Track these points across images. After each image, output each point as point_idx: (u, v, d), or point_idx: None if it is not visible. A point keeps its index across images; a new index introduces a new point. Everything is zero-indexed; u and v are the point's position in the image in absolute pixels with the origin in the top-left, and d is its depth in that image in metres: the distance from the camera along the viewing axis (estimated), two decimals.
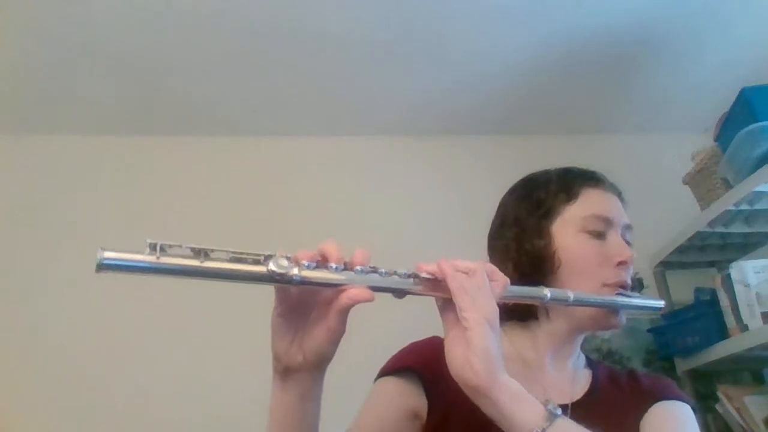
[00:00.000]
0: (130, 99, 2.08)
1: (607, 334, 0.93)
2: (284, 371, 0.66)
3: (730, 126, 1.73)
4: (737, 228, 1.83)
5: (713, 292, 1.78)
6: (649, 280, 2.04)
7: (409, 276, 0.66)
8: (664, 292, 2.03)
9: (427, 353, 0.86)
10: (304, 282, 0.61)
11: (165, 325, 1.96)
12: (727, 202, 1.72)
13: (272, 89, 2.09)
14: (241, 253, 0.59)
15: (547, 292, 0.77)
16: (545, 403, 0.64)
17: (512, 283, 0.72)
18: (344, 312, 0.63)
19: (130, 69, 1.94)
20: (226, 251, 0.59)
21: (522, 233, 0.91)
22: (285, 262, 0.60)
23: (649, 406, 0.86)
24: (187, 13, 1.74)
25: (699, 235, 1.87)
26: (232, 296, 1.75)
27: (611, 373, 0.95)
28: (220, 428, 1.83)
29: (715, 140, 1.83)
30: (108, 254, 0.53)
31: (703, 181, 1.88)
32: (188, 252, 0.57)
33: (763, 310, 1.59)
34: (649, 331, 2.04)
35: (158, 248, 0.55)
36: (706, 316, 1.78)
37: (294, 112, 2.21)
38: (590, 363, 0.96)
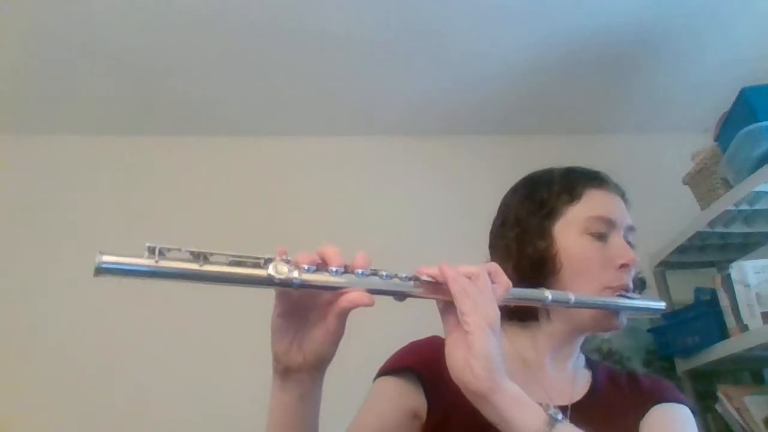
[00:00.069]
0: (130, 99, 2.08)
1: (607, 335, 0.93)
2: (284, 372, 0.66)
3: (730, 126, 1.73)
4: (737, 228, 1.83)
5: (713, 292, 1.78)
6: (649, 280, 2.04)
7: (409, 279, 0.66)
8: (664, 292, 2.03)
9: (426, 353, 0.86)
10: (304, 285, 0.60)
11: (165, 325, 1.96)
12: (727, 202, 1.72)
13: (272, 89, 2.09)
14: (241, 257, 0.59)
15: (548, 294, 0.77)
16: (546, 408, 0.64)
17: (513, 284, 0.72)
18: (343, 315, 0.63)
19: (130, 69, 1.94)
20: (226, 255, 0.58)
21: (523, 234, 0.91)
22: (285, 266, 0.59)
23: (649, 408, 0.86)
24: (187, 13, 1.74)
25: (699, 235, 1.87)
26: (232, 297, 1.76)
27: (611, 373, 0.95)
28: (220, 428, 1.83)
29: (715, 140, 1.83)
30: (106, 258, 0.53)
31: (703, 181, 1.88)
32: (187, 255, 0.56)
33: (763, 310, 1.59)
34: (649, 331, 2.04)
35: (157, 252, 0.55)
36: (706, 316, 1.78)
37: (294, 112, 2.21)
38: (590, 363, 0.96)
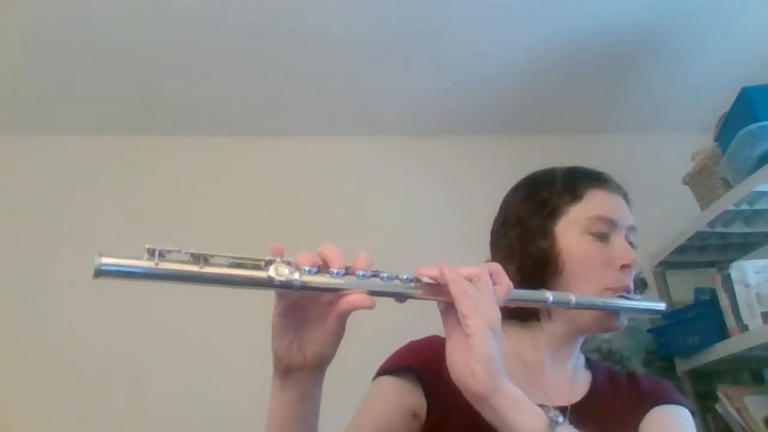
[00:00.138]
0: (130, 99, 2.08)
1: (607, 335, 0.93)
2: (284, 371, 0.66)
3: (730, 126, 1.73)
4: (737, 228, 1.83)
5: (713, 292, 1.78)
6: (649, 279, 2.05)
7: (410, 280, 0.66)
8: (664, 292, 2.03)
9: (426, 353, 0.86)
10: (304, 287, 0.60)
11: (165, 325, 1.96)
12: (727, 202, 1.72)
13: (272, 89, 2.09)
14: (241, 259, 0.59)
15: (549, 295, 0.77)
16: (546, 410, 0.64)
17: (516, 284, 0.72)
18: (344, 317, 0.63)
19: (130, 69, 1.94)
20: (226, 256, 0.58)
21: (525, 233, 0.91)
22: (285, 268, 0.59)
23: (649, 410, 0.86)
24: (187, 13, 1.74)
25: (699, 235, 1.87)
26: (232, 297, 1.75)
27: (611, 374, 0.95)
28: (220, 428, 1.83)
29: (715, 140, 1.83)
30: (106, 260, 0.52)
31: (703, 181, 1.88)
32: (187, 257, 0.56)
33: (763, 310, 1.59)
34: (649, 331, 2.04)
35: (157, 254, 0.54)
36: (706, 316, 1.77)
37: (294, 112, 2.21)
38: (590, 364, 0.96)
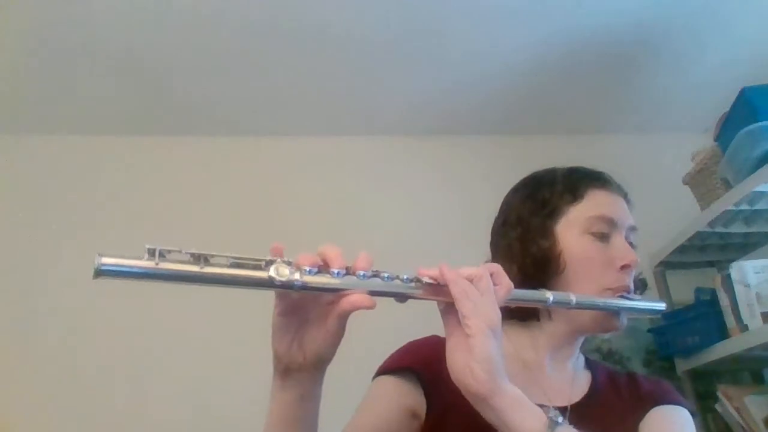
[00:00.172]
0: (130, 99, 2.08)
1: (607, 335, 0.93)
2: (284, 371, 0.66)
3: (730, 126, 1.73)
4: (737, 228, 1.83)
5: (713, 292, 1.78)
6: (649, 279, 2.04)
7: (411, 281, 0.66)
8: (664, 292, 2.03)
9: (425, 352, 0.86)
10: (305, 288, 0.60)
11: (165, 326, 1.96)
12: (727, 202, 1.72)
13: (272, 89, 2.09)
14: (242, 259, 0.59)
15: (549, 295, 0.77)
16: (546, 410, 0.64)
17: (516, 284, 0.72)
18: (344, 317, 0.63)
19: (130, 69, 1.94)
20: (227, 256, 0.58)
21: (526, 233, 0.91)
22: (286, 268, 0.59)
23: (648, 410, 0.86)
24: (187, 13, 1.74)
25: (699, 235, 1.87)
26: (232, 297, 1.75)
27: (610, 374, 0.95)
28: (220, 428, 1.84)
29: (715, 140, 1.83)
30: (106, 260, 0.52)
31: (703, 181, 1.88)
32: (188, 257, 0.56)
33: (763, 310, 1.59)
34: (649, 331, 2.04)
35: (157, 254, 0.54)
36: (706, 316, 1.77)
37: (294, 112, 2.21)
38: (589, 364, 0.96)
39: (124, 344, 1.93)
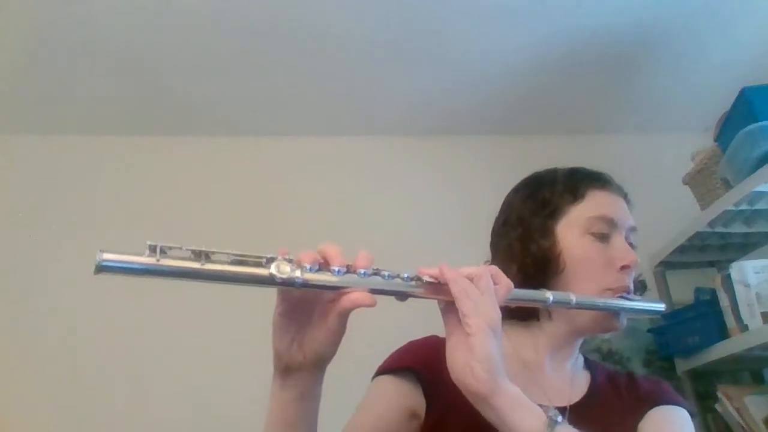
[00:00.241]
0: (130, 99, 2.08)
1: (606, 335, 0.93)
2: (285, 370, 0.67)
3: (730, 126, 1.73)
4: (737, 228, 1.83)
5: (713, 292, 1.78)
6: (649, 279, 2.04)
7: (411, 279, 0.66)
8: (664, 292, 2.03)
9: (425, 353, 0.86)
10: (306, 285, 0.60)
11: (165, 326, 1.96)
12: (727, 202, 1.72)
13: (272, 89, 2.09)
14: (243, 256, 0.59)
15: (549, 295, 0.77)
16: (546, 410, 0.64)
17: (516, 284, 0.72)
18: (345, 315, 0.63)
19: (130, 69, 1.94)
20: (227, 253, 0.58)
21: (526, 233, 0.91)
22: (287, 265, 0.59)
23: (647, 410, 0.86)
24: (187, 13, 1.74)
25: (699, 235, 1.87)
26: (232, 296, 1.76)
27: (610, 375, 0.95)
28: (220, 428, 1.84)
29: (715, 140, 1.83)
30: (107, 256, 0.52)
31: (703, 181, 1.88)
32: (188, 254, 0.56)
33: (763, 310, 1.59)
34: (649, 331, 2.04)
35: (158, 250, 0.54)
36: (706, 316, 1.77)
37: (294, 112, 2.21)
38: (588, 364, 0.96)
39: (124, 344, 1.93)
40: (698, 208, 1.91)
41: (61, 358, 1.89)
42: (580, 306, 0.81)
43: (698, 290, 1.90)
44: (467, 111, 2.27)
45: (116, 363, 1.90)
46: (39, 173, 2.15)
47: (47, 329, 1.93)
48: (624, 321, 0.88)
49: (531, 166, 1.02)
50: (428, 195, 2.28)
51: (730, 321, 1.69)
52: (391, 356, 0.91)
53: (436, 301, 0.69)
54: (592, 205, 0.90)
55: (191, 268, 0.56)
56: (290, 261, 0.60)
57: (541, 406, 0.65)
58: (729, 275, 1.68)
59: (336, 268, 0.62)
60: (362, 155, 2.33)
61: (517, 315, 0.90)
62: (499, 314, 0.66)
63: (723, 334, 1.71)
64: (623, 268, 0.87)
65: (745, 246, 1.96)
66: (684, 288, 1.99)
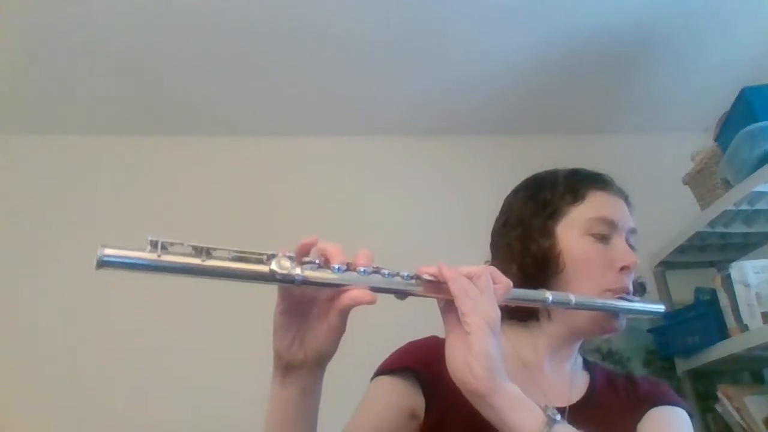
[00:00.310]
0: (130, 99, 2.08)
1: (606, 336, 0.93)
2: (285, 368, 0.67)
3: (730, 126, 1.73)
4: (737, 228, 1.83)
5: (713, 292, 1.78)
6: (649, 279, 2.04)
7: (411, 278, 0.66)
8: (664, 292, 2.03)
9: (425, 353, 0.86)
10: (306, 282, 0.60)
11: (165, 326, 1.96)
12: (727, 202, 1.72)
13: (272, 89, 2.09)
14: (244, 252, 0.59)
15: (548, 295, 0.77)
16: (545, 409, 0.64)
17: (516, 284, 0.72)
18: (345, 312, 0.63)
19: (130, 69, 1.94)
20: (228, 250, 0.58)
21: (526, 233, 0.91)
22: (287, 262, 0.59)
23: (646, 411, 0.87)
24: (187, 13, 1.74)
25: (699, 235, 1.87)
26: (232, 297, 1.76)
27: (609, 375, 0.96)
28: (220, 428, 1.83)
29: (715, 140, 1.83)
30: (108, 251, 0.53)
31: (703, 181, 1.88)
32: (190, 250, 0.56)
33: (763, 310, 1.59)
34: (649, 331, 2.04)
35: (159, 246, 0.55)
36: (706, 316, 1.77)
37: (294, 112, 2.21)
38: (587, 365, 0.96)
39: (124, 344, 1.92)
40: (698, 208, 1.91)
41: (61, 358, 1.89)
42: (579, 306, 0.81)
43: (698, 290, 1.90)
44: (467, 111, 2.27)
45: (116, 363, 1.90)
46: (39, 173, 2.15)
47: (47, 329, 1.93)
48: (623, 322, 0.88)
49: (531, 166, 1.02)
50: (428, 195, 2.28)
51: (730, 321, 1.69)
52: (391, 356, 0.92)
53: (435, 300, 0.69)
54: (593, 206, 0.91)
55: (192, 264, 0.56)
56: (290, 258, 0.60)
57: (539, 405, 0.65)
58: (729, 275, 1.68)
59: (336, 266, 0.62)
60: (362, 155, 2.33)
61: (517, 315, 0.90)
62: (498, 313, 0.66)
63: (723, 334, 1.71)
64: (623, 269, 0.87)
65: (745, 246, 1.96)
66: (684, 288, 1.99)
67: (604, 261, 0.87)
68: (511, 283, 0.71)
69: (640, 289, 0.93)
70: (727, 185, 1.76)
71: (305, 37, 1.87)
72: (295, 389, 0.67)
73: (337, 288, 0.62)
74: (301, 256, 0.61)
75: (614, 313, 0.87)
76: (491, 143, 2.36)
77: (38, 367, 1.88)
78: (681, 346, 1.88)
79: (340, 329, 0.65)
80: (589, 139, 2.37)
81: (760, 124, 1.60)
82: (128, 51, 1.87)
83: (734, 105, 1.74)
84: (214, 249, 0.57)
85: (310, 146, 2.31)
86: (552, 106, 2.29)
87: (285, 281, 0.59)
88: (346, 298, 0.62)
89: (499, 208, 1.00)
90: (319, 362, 0.67)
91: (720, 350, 1.71)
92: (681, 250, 1.96)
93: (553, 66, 2.07)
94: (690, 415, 0.88)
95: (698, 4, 1.86)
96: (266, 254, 0.59)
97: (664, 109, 2.34)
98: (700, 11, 1.88)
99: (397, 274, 0.65)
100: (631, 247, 0.90)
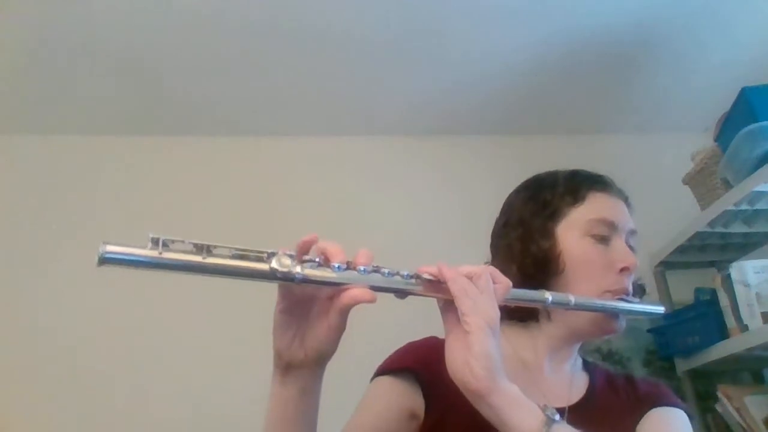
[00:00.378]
0: (130, 99, 2.08)
1: (605, 337, 0.93)
2: (285, 367, 0.67)
3: (730, 126, 1.73)
4: (737, 228, 1.83)
5: (713, 292, 1.78)
6: (649, 280, 2.04)
7: (411, 277, 0.66)
8: (664, 292, 2.03)
9: (424, 353, 0.86)
10: (306, 280, 0.61)
11: (165, 325, 1.96)
12: (727, 202, 1.72)
13: (272, 89, 2.09)
14: (244, 250, 0.59)
15: (548, 295, 0.77)
16: (544, 409, 0.64)
17: (515, 285, 0.72)
18: (345, 311, 0.63)
19: (130, 69, 1.94)
20: (229, 247, 0.58)
21: (526, 234, 0.91)
22: (288, 260, 0.59)
23: (646, 412, 0.87)
24: (187, 13, 1.74)
25: (699, 235, 1.87)
26: (232, 297, 1.76)
27: (608, 376, 0.96)
28: (221, 428, 1.83)
29: (715, 140, 1.83)
30: (110, 248, 0.53)
31: (703, 181, 1.88)
32: (191, 247, 0.57)
33: (763, 310, 1.59)
34: (649, 331, 2.04)
35: (160, 243, 0.55)
36: (706, 316, 1.77)
37: (294, 112, 2.21)
38: (587, 366, 0.96)
39: (124, 344, 1.92)
40: (698, 208, 1.91)
41: (61, 358, 1.89)
42: (578, 307, 0.81)
43: (698, 290, 1.90)
44: (467, 111, 2.27)
45: (116, 362, 1.90)
46: (39, 173, 2.15)
47: (47, 329, 1.93)
48: (623, 323, 0.88)
49: (531, 166, 1.02)
50: (428, 195, 2.28)
51: (730, 321, 1.69)
52: (391, 357, 0.92)
53: (435, 299, 0.69)
54: (593, 207, 0.91)
55: (193, 261, 0.56)
56: (291, 256, 0.60)
57: (538, 405, 0.65)
58: (729, 275, 1.68)
59: (336, 265, 0.62)
60: (362, 155, 2.33)
61: (517, 316, 0.90)
62: (497, 313, 0.66)
63: (723, 334, 1.71)
64: (623, 270, 0.87)
65: (745, 246, 1.96)
66: (684, 288, 1.99)
67: (604, 262, 0.87)
68: (511, 284, 0.71)
69: (639, 291, 0.93)
70: (727, 185, 1.76)
71: (305, 37, 1.87)
72: (295, 388, 0.67)
73: (337, 287, 0.62)
74: (301, 254, 0.61)
75: (614, 314, 0.86)
76: (491, 143, 2.36)
77: (38, 367, 1.88)
78: (681, 346, 1.88)
79: (340, 328, 0.65)
80: (589, 139, 2.37)
81: (760, 124, 1.60)
82: (128, 51, 1.87)
83: (734, 105, 1.74)
84: (215, 246, 0.57)
85: (310, 146, 2.31)
86: (552, 106, 2.29)
87: (285, 279, 0.60)
88: (346, 296, 0.62)
89: (500, 209, 1.00)
90: (319, 361, 0.67)
91: (720, 350, 1.71)
92: (681, 250, 1.96)
93: (553, 66, 2.07)
94: (690, 416, 0.88)
95: (698, 4, 1.86)
96: (266, 252, 0.59)
97: (664, 109, 2.34)
98: (700, 11, 1.88)
99: (397, 274, 0.65)
100: (631, 248, 0.90)
